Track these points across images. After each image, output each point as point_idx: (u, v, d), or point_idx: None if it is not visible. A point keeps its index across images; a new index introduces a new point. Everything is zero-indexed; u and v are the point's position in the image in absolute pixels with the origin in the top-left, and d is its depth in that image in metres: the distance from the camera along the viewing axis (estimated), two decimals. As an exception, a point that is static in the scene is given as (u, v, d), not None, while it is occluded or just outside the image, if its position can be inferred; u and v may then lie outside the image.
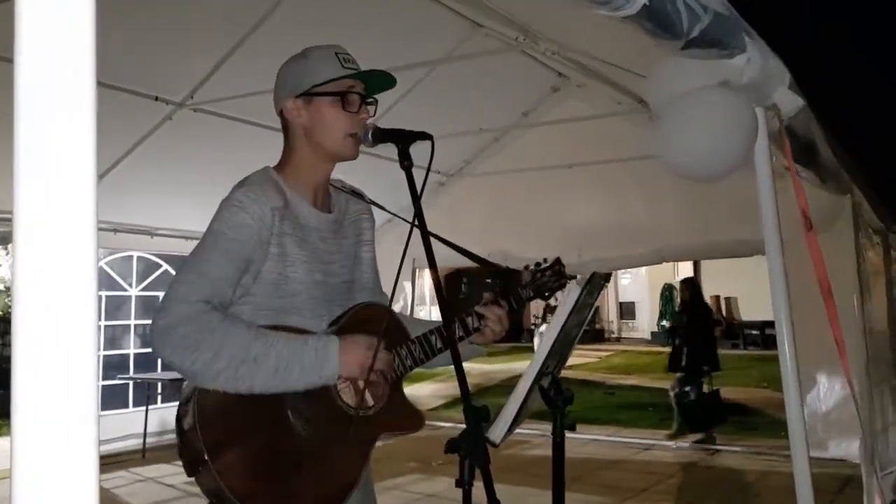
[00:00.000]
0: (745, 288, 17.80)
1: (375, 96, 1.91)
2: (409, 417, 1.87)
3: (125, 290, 8.16)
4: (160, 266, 8.35)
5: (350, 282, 1.94)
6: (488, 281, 2.13)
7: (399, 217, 2.16)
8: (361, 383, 1.71)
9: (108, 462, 7.15)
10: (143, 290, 8.27)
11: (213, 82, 5.58)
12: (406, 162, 1.70)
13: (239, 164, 7.10)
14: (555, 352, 1.45)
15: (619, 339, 21.76)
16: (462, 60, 5.95)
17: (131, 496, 6.06)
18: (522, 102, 7.70)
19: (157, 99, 5.65)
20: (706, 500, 5.76)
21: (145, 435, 7.55)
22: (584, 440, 8.38)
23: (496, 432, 1.42)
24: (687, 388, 8.21)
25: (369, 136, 1.80)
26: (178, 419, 1.69)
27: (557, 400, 1.53)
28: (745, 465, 7.01)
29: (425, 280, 17.25)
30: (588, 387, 13.19)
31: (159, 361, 8.30)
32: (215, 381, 1.57)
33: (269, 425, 1.65)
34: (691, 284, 9.47)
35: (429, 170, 1.62)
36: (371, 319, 1.84)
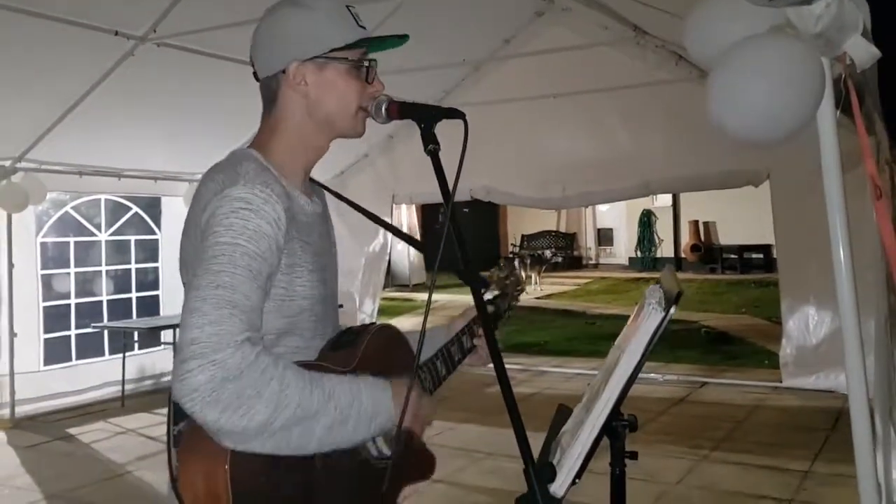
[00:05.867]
0: (724, 213, 17.79)
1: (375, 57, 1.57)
2: (425, 463, 1.63)
3: (94, 234, 7.82)
4: (130, 209, 8.01)
5: (335, 288, 1.65)
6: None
7: (374, 219, 1.88)
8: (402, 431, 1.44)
9: (87, 413, 6.98)
10: (113, 234, 7.93)
11: (175, 15, 5.22)
12: (432, 146, 1.37)
13: (210, 101, 6.73)
14: (627, 389, 1.23)
15: (596, 266, 21.74)
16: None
17: (112, 451, 5.88)
18: (504, 28, 7.36)
19: (116, 34, 5.29)
20: (700, 439, 5.71)
21: (123, 383, 7.35)
22: (569, 374, 8.34)
23: (558, 485, 1.19)
24: None
25: (384, 111, 1.49)
26: (188, 484, 1.31)
27: (617, 427, 1.31)
28: (735, 399, 6.99)
29: (402, 213, 17.09)
30: (568, 316, 13.16)
31: (134, 307, 8.07)
32: (264, 444, 1.26)
33: (303, 489, 1.36)
34: None
35: (462, 156, 1.31)
36: (386, 348, 1.58)
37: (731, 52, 1.66)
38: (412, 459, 1.54)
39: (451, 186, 1.34)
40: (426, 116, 1.42)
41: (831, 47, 1.67)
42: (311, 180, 1.65)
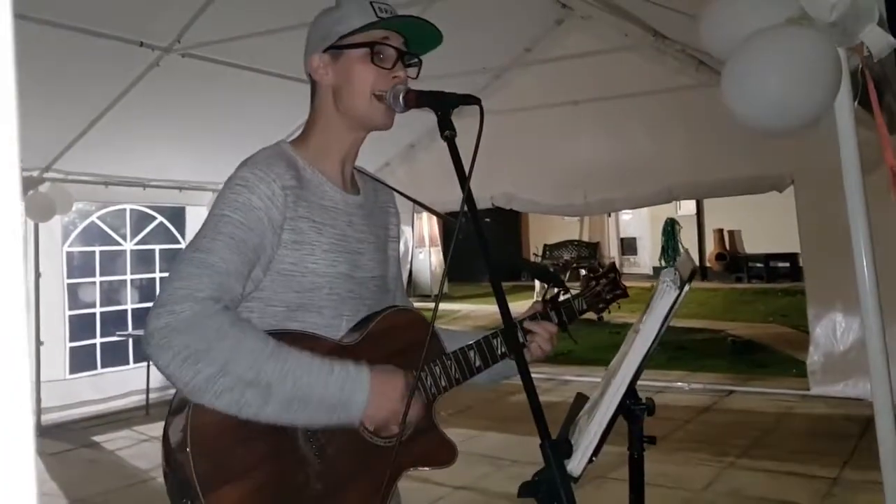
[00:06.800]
0: (749, 221, 17.61)
1: (421, 56, 1.62)
2: (439, 450, 1.61)
3: (119, 244, 7.92)
4: (154, 218, 8.11)
5: (381, 278, 1.67)
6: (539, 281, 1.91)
7: (433, 212, 1.89)
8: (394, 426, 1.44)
9: (112, 421, 7.05)
10: (138, 243, 8.03)
11: (200, 25, 5.28)
12: (448, 132, 1.39)
13: (234, 111, 6.78)
14: (642, 367, 1.22)
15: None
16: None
17: (137, 458, 5.93)
18: (524, 38, 7.37)
19: (142, 45, 5.36)
20: (727, 447, 5.65)
21: (148, 391, 7.41)
22: (593, 383, 8.26)
23: (574, 464, 1.19)
24: None
25: (401, 99, 1.51)
26: (166, 436, 1.38)
27: (635, 410, 1.30)
28: (762, 407, 6.89)
29: (423, 222, 17.12)
30: (592, 326, 13.05)
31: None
32: (215, 401, 1.29)
33: (277, 454, 1.37)
34: None
35: (478, 141, 1.32)
36: (404, 328, 1.59)
37: (746, 42, 1.65)
38: (422, 440, 1.53)
39: (467, 171, 1.34)
40: (442, 103, 1.43)
41: (847, 37, 1.65)
42: (361, 171, 1.72)
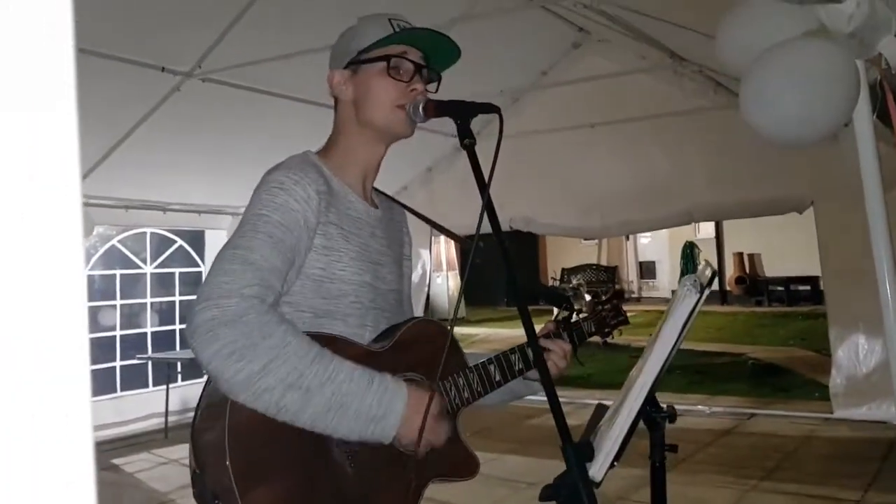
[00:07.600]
0: (769, 244, 17.49)
1: (441, 72, 1.65)
2: (463, 462, 1.61)
3: (140, 267, 7.98)
4: (174, 242, 8.17)
5: (398, 292, 1.69)
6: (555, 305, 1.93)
7: (451, 234, 1.89)
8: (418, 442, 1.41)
9: (131, 444, 7.05)
10: (158, 266, 8.09)
11: (221, 51, 5.35)
12: (468, 140, 1.41)
13: (253, 135, 6.83)
14: (662, 372, 1.22)
15: (639, 300, 21.47)
16: (475, 17, 5.65)
17: (156, 481, 5.94)
18: (541, 61, 7.41)
19: (163, 70, 5.42)
20: (749, 469, 5.57)
21: (167, 414, 7.43)
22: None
23: (595, 468, 1.18)
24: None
25: (420, 109, 1.54)
26: (198, 436, 1.36)
27: (656, 417, 1.30)
28: (784, 430, 6.80)
29: (441, 246, 17.14)
30: (611, 350, 12.97)
31: (178, 339, 8.17)
32: (255, 400, 1.27)
33: (312, 458, 1.38)
34: None
35: (497, 149, 1.33)
36: (430, 338, 1.59)
37: (764, 55, 1.65)
38: (447, 452, 1.52)
39: (486, 179, 1.35)
40: (462, 112, 1.46)
41: (865, 48, 1.65)
42: (379, 192, 1.75)
